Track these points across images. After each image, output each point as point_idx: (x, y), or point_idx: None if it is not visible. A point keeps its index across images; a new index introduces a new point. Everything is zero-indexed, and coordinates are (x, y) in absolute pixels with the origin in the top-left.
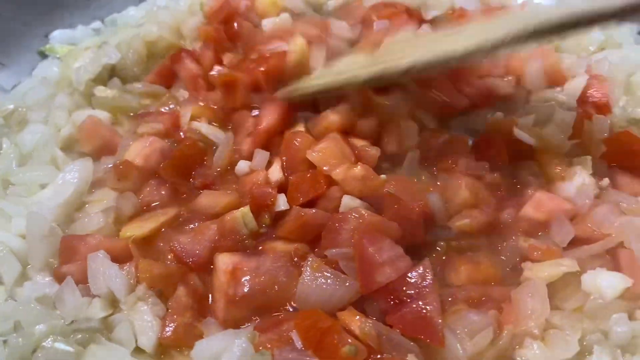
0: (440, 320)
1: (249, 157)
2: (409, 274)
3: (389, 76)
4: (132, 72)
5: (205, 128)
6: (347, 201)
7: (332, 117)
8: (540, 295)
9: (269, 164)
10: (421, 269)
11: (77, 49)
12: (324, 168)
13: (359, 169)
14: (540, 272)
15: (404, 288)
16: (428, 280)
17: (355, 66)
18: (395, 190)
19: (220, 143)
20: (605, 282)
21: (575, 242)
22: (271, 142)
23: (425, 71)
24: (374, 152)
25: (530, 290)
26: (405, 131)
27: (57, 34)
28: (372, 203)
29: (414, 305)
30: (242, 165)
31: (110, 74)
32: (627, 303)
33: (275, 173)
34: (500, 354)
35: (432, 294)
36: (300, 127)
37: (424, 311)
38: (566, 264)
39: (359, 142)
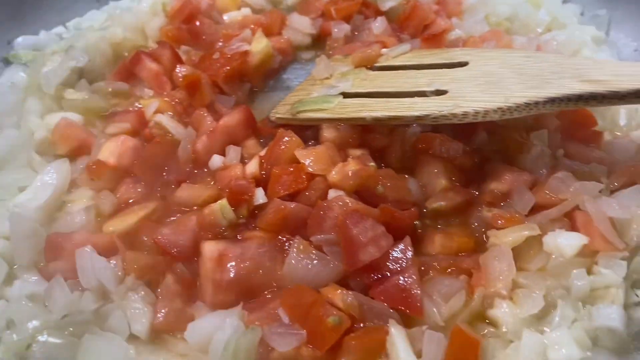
0: (419, 292)
1: (205, 155)
2: (391, 251)
3: (398, 121)
4: (99, 74)
5: (167, 121)
6: (334, 195)
7: (326, 134)
8: (506, 258)
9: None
10: (402, 245)
11: (43, 54)
12: (309, 169)
13: (352, 164)
14: (505, 238)
15: (387, 264)
16: (408, 256)
17: (359, 105)
18: (385, 188)
19: (182, 138)
20: (564, 242)
21: (535, 209)
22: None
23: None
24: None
25: (496, 255)
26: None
27: (20, 41)
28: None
29: (395, 280)
30: (216, 160)
31: (78, 77)
32: (585, 259)
33: (252, 167)
34: (473, 314)
35: (411, 268)
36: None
37: (404, 284)
38: (528, 229)
39: (356, 152)
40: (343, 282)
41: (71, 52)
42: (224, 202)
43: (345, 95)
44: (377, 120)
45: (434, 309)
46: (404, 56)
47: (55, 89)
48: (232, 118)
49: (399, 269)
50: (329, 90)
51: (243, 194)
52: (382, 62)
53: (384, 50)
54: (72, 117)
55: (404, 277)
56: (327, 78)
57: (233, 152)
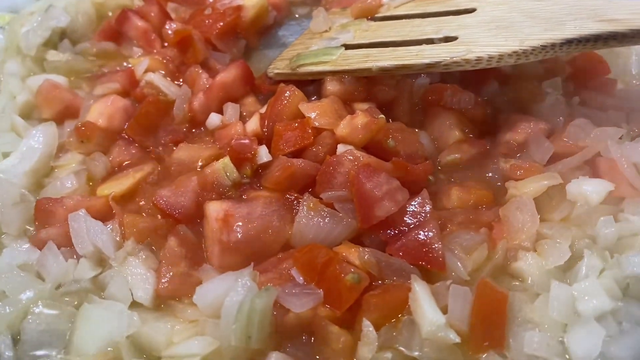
0: (440, 246)
1: (202, 114)
2: (408, 205)
3: (407, 70)
4: (82, 34)
5: (158, 80)
6: (343, 149)
7: (330, 88)
8: (529, 208)
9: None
10: (419, 199)
11: (21, 15)
12: (315, 123)
13: (361, 117)
14: (525, 188)
15: (404, 218)
16: (427, 210)
17: (363, 56)
18: (396, 142)
19: (176, 97)
20: (589, 189)
21: (554, 158)
22: (231, 100)
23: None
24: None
25: (518, 206)
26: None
27: None
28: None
29: (414, 234)
30: (214, 119)
31: (60, 38)
32: (611, 207)
33: (252, 124)
34: (496, 268)
35: (431, 221)
36: None
37: (425, 239)
38: (548, 178)
39: (362, 105)
40: (357, 240)
41: (51, 11)
42: (226, 160)
43: (347, 46)
44: (384, 71)
45: (458, 263)
46: (406, 6)
47: (36, 50)
48: (229, 74)
49: (417, 223)
50: (329, 42)
51: (245, 152)
52: (383, 13)
53: (384, 0)
54: (57, 79)
55: (423, 232)
56: (325, 31)
57: (231, 109)
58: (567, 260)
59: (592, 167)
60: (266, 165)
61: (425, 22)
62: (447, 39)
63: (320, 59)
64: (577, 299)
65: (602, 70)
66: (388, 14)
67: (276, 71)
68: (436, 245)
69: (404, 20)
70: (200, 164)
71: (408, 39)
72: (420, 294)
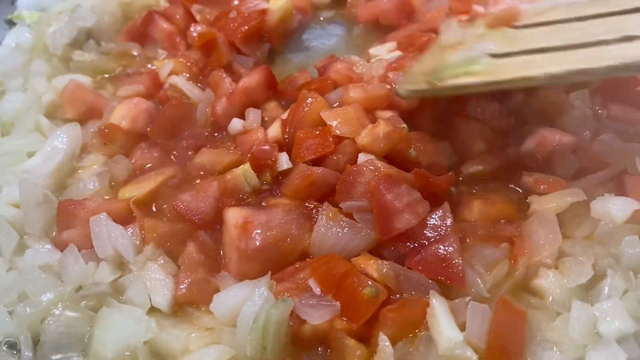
0: (460, 261)
1: (224, 118)
2: (429, 218)
3: (583, 76)
4: (108, 35)
5: (182, 83)
6: (364, 159)
7: (352, 95)
8: (551, 225)
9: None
10: (440, 212)
11: (49, 15)
12: (336, 131)
13: (383, 126)
14: (548, 204)
15: (424, 232)
16: (448, 223)
17: (523, 63)
18: (418, 152)
19: (199, 100)
20: (614, 207)
21: (579, 173)
22: (253, 105)
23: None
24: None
25: (540, 222)
26: None
27: (24, 1)
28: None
29: (434, 248)
30: (236, 124)
31: (86, 38)
32: (636, 226)
33: (273, 130)
34: (516, 284)
35: (451, 236)
36: None
37: (445, 254)
38: (572, 194)
39: (385, 114)
40: (375, 251)
41: (78, 12)
42: (246, 166)
43: (494, 56)
44: (555, 78)
45: (478, 280)
46: (551, 12)
47: (63, 49)
48: (252, 79)
49: (437, 237)
50: (468, 52)
51: (266, 158)
52: (524, 21)
53: (525, 7)
54: (80, 80)
55: (443, 246)
56: (459, 44)
57: (253, 115)
58: (590, 280)
59: (618, 184)
60: (286, 173)
61: (588, 25)
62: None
63: (466, 69)
64: (598, 319)
65: (633, 83)
66: (531, 21)
67: (410, 88)
68: (456, 260)
69: (558, 25)
70: (219, 169)
71: (573, 42)
72: (438, 310)
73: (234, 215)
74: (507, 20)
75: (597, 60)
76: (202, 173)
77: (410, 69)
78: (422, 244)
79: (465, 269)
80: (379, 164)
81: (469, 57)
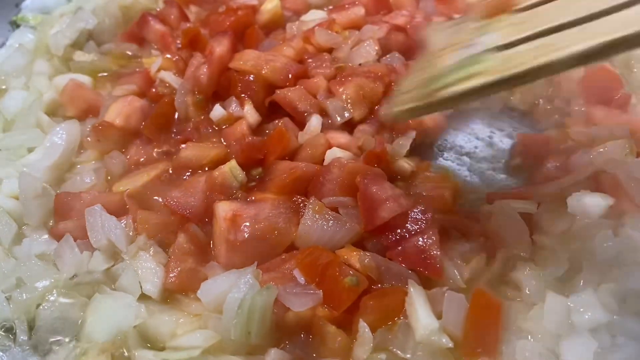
0: (438, 253)
1: (209, 86)
2: (410, 212)
3: (617, 49)
4: (109, 36)
5: (170, 77)
6: (334, 153)
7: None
8: (514, 218)
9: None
10: (421, 206)
11: (52, 17)
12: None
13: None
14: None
15: (406, 225)
16: (428, 217)
17: (540, 48)
18: None
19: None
20: (589, 203)
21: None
22: (225, 77)
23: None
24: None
25: (503, 217)
26: None
27: (28, 3)
28: None
29: (414, 241)
30: (218, 110)
31: (87, 39)
32: (612, 221)
33: (252, 115)
34: (494, 277)
35: (431, 229)
36: None
37: (424, 245)
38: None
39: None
40: (359, 244)
41: (80, 14)
42: (233, 163)
43: (500, 48)
44: (583, 59)
45: (455, 271)
46: None
47: (64, 50)
48: (222, 45)
49: (418, 230)
50: (466, 51)
51: (255, 154)
52: (525, 2)
53: None
54: (81, 79)
55: (423, 238)
56: (453, 44)
57: (235, 103)
58: (565, 272)
59: (595, 183)
60: (269, 170)
61: None
62: None
63: (468, 71)
64: (572, 310)
65: (615, 86)
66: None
67: (400, 109)
68: (434, 252)
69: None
70: (205, 163)
71: (598, 9)
72: (416, 298)
73: (223, 209)
74: (505, 5)
75: (632, 26)
76: (188, 167)
77: (398, 87)
78: (403, 236)
79: (444, 261)
80: (345, 160)
81: (470, 56)
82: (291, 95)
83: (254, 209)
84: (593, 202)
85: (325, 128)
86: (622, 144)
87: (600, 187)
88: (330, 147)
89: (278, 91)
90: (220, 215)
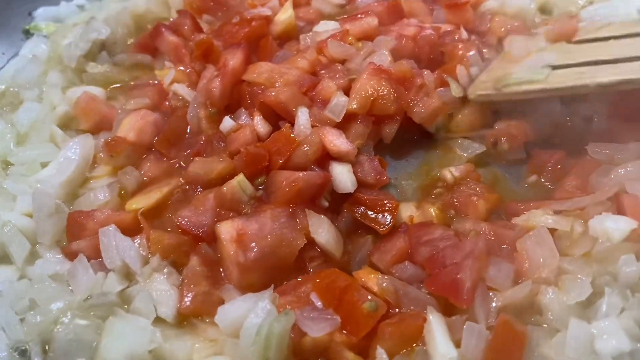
0: (469, 284)
1: (222, 98)
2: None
3: (628, 85)
4: (122, 46)
5: (183, 90)
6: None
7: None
8: (547, 242)
9: None
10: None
11: (64, 26)
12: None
13: None
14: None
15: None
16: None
17: (577, 74)
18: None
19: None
20: (612, 226)
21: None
22: (238, 90)
23: None
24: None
25: (536, 239)
26: None
27: (41, 12)
28: None
29: (450, 268)
30: (227, 122)
31: (99, 49)
32: (634, 244)
33: (262, 126)
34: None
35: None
36: None
37: (458, 274)
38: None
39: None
40: None
41: (92, 24)
42: (240, 177)
43: (554, 67)
44: (602, 87)
45: (481, 310)
46: (607, 28)
47: (77, 61)
48: (236, 58)
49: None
50: (531, 65)
51: (259, 162)
52: (580, 37)
53: (582, 24)
54: (94, 91)
55: (459, 268)
56: (524, 57)
57: (245, 114)
58: (588, 297)
59: (616, 202)
60: (270, 181)
61: (637, 42)
62: None
63: (529, 78)
64: (595, 337)
65: None
66: (589, 37)
67: (478, 92)
68: (468, 283)
69: (611, 40)
70: (212, 177)
71: (623, 56)
72: (435, 325)
73: (227, 230)
74: (565, 36)
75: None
76: (199, 184)
77: (479, 77)
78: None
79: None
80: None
81: (531, 68)
82: (281, 96)
83: (256, 223)
84: (616, 226)
85: (317, 121)
86: None
87: (621, 208)
88: (325, 148)
89: (268, 92)
90: (225, 239)
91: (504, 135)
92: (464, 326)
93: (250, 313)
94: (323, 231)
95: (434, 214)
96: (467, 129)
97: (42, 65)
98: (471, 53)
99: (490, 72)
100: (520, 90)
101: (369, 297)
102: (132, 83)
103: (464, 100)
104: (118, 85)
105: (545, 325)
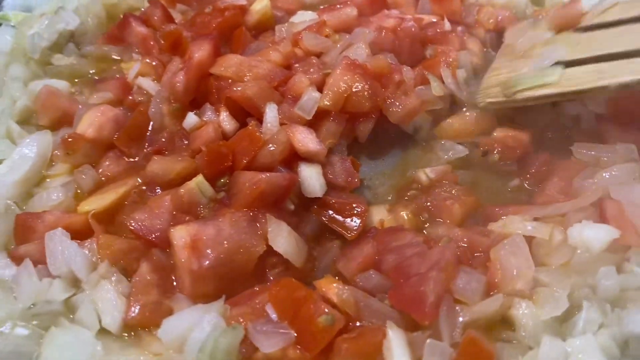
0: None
1: (186, 93)
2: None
3: None
4: (92, 37)
5: (148, 84)
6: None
7: None
8: (523, 252)
9: None
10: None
11: (32, 16)
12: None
13: None
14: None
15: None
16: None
17: (594, 73)
18: None
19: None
20: (592, 235)
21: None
22: (205, 84)
23: None
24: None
25: (511, 249)
26: None
27: (10, 1)
28: None
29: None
30: (191, 118)
31: (67, 40)
32: (615, 255)
33: (228, 123)
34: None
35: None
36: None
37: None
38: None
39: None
40: None
41: (61, 14)
42: (199, 178)
43: (565, 65)
44: (625, 87)
45: (446, 327)
46: (611, 11)
47: (42, 53)
48: (202, 50)
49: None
50: (539, 62)
51: (221, 162)
52: (589, 22)
53: (585, 7)
54: (57, 85)
55: (422, 281)
56: (529, 50)
57: (210, 110)
58: (565, 311)
59: (599, 209)
60: (233, 182)
61: None
62: None
63: (541, 81)
64: (570, 356)
65: None
66: (595, 22)
67: (489, 100)
68: (431, 298)
69: (621, 27)
70: (172, 177)
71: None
72: (394, 342)
73: (180, 235)
74: (570, 22)
75: None
76: (158, 185)
77: (486, 81)
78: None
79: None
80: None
81: (541, 68)
82: (249, 91)
83: (212, 228)
84: (596, 235)
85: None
86: (631, 168)
87: (603, 215)
88: (293, 148)
89: (235, 87)
90: (179, 244)
91: (498, 146)
92: (426, 344)
93: (196, 327)
94: (282, 239)
95: (406, 217)
96: (455, 136)
97: (5, 57)
98: (461, 53)
99: (494, 72)
100: (533, 95)
101: (326, 310)
102: (97, 77)
103: (455, 104)
104: (83, 79)
105: (515, 342)
